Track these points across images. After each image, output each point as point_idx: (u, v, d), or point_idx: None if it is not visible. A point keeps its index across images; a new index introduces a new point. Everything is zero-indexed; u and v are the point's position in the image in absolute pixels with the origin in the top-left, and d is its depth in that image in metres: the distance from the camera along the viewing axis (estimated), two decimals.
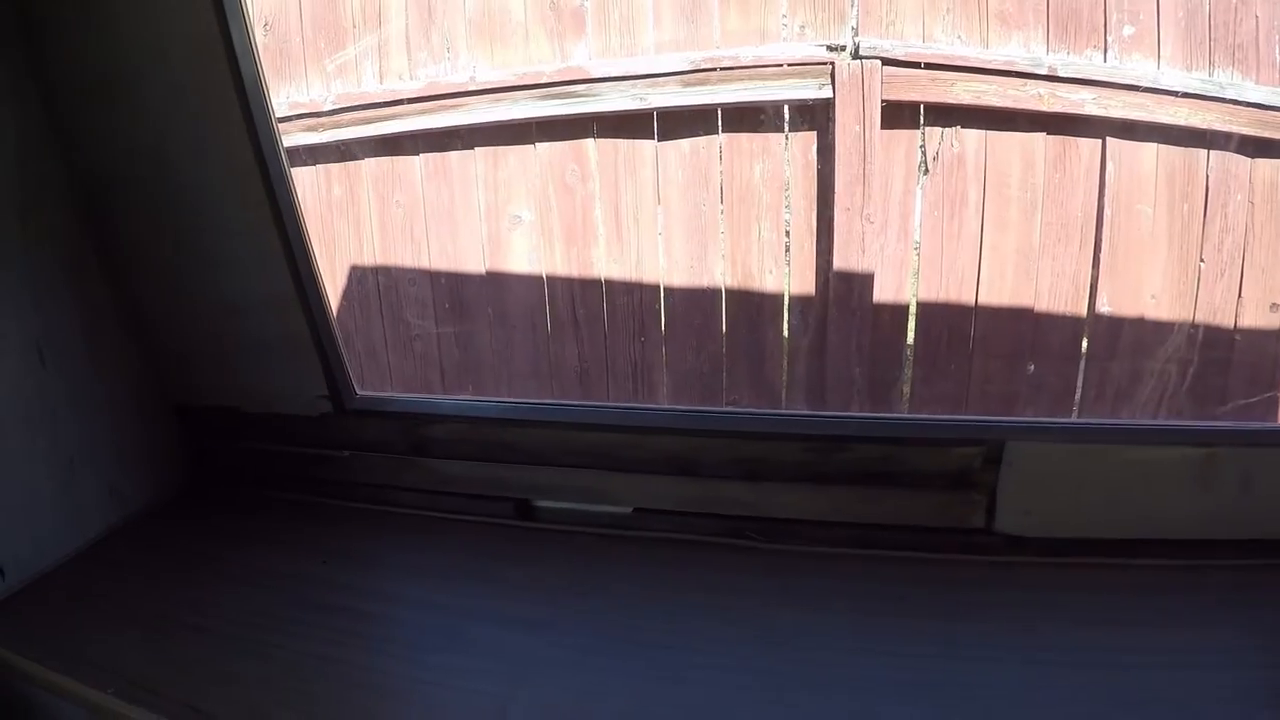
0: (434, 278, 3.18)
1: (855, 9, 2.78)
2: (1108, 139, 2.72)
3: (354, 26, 3.12)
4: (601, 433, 1.27)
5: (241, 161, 1.23)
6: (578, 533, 1.26)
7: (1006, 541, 1.14)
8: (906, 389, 2.98)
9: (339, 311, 3.29)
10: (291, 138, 3.16)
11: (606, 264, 3.05)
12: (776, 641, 1.02)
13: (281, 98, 3.19)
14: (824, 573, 1.14)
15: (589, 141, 2.98)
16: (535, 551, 1.24)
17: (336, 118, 3.15)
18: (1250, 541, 1.11)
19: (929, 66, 2.74)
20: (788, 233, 2.93)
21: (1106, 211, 2.75)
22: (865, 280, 2.87)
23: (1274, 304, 2.73)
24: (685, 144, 2.92)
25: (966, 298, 2.84)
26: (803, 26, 2.80)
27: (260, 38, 3.11)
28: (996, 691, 0.93)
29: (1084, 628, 1.01)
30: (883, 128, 2.78)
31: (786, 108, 2.85)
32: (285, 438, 1.42)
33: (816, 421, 1.26)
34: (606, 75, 2.89)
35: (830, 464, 1.17)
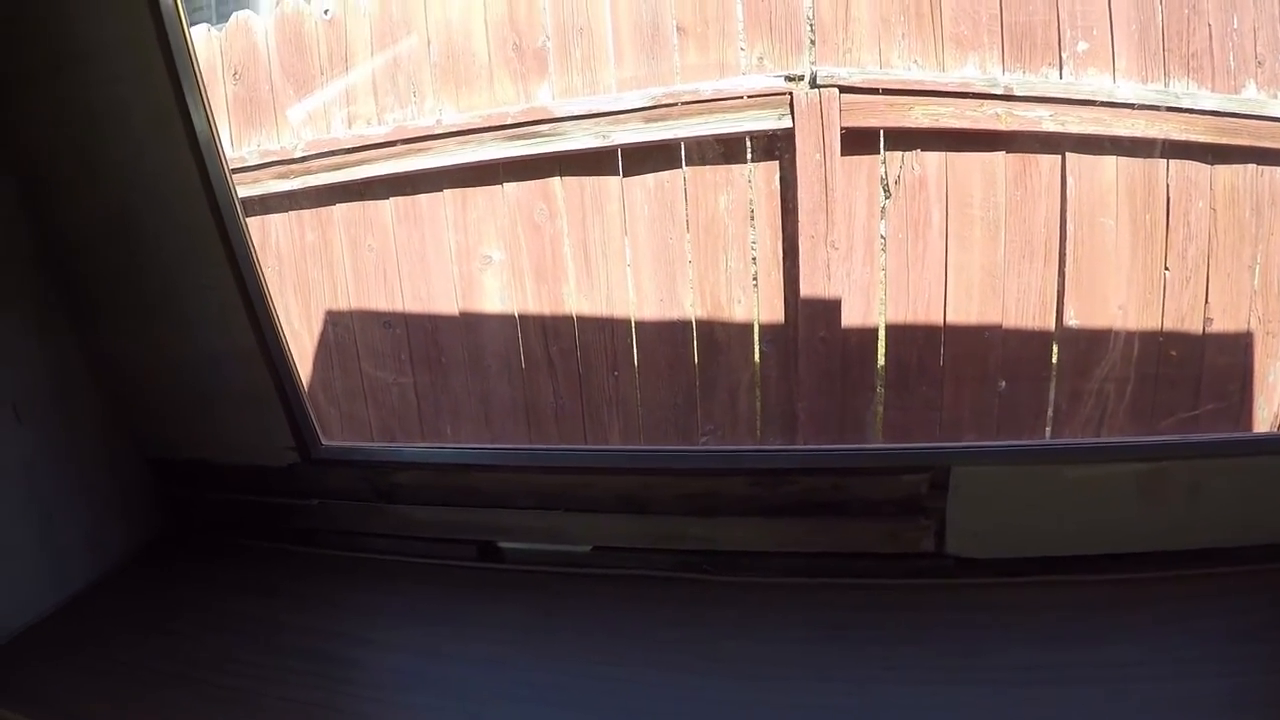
0: (408, 320, 3.20)
1: (812, 38, 2.81)
2: (1067, 154, 2.75)
3: (321, 74, 3.14)
4: (559, 475, 1.30)
5: (200, 222, 1.26)
6: (540, 572, 1.28)
7: (958, 564, 1.16)
8: (879, 411, 3.00)
9: (315, 356, 3.30)
10: (263, 185, 3.18)
11: (577, 300, 3.06)
12: (732, 672, 1.04)
13: (252, 145, 3.21)
14: (777, 602, 1.16)
15: (555, 180, 3.00)
16: (500, 592, 1.26)
17: (307, 164, 3.17)
18: (1199, 551, 1.13)
19: (886, 92, 2.77)
20: (754, 260, 2.96)
21: (1069, 226, 2.78)
22: (833, 306, 2.89)
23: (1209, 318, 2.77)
24: (650, 179, 2.95)
25: (935, 318, 2.86)
26: (761, 58, 2.83)
27: (230, 87, 3.15)
28: (943, 712, 0.96)
29: (1033, 645, 1.04)
30: (843, 154, 2.80)
31: (748, 139, 2.89)
32: (255, 488, 1.43)
33: (762, 456, 1.29)
34: (570, 114, 2.91)
35: (779, 496, 1.19)
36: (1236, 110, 2.66)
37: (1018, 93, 2.72)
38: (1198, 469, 1.13)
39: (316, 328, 3.28)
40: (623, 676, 1.06)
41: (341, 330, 3.28)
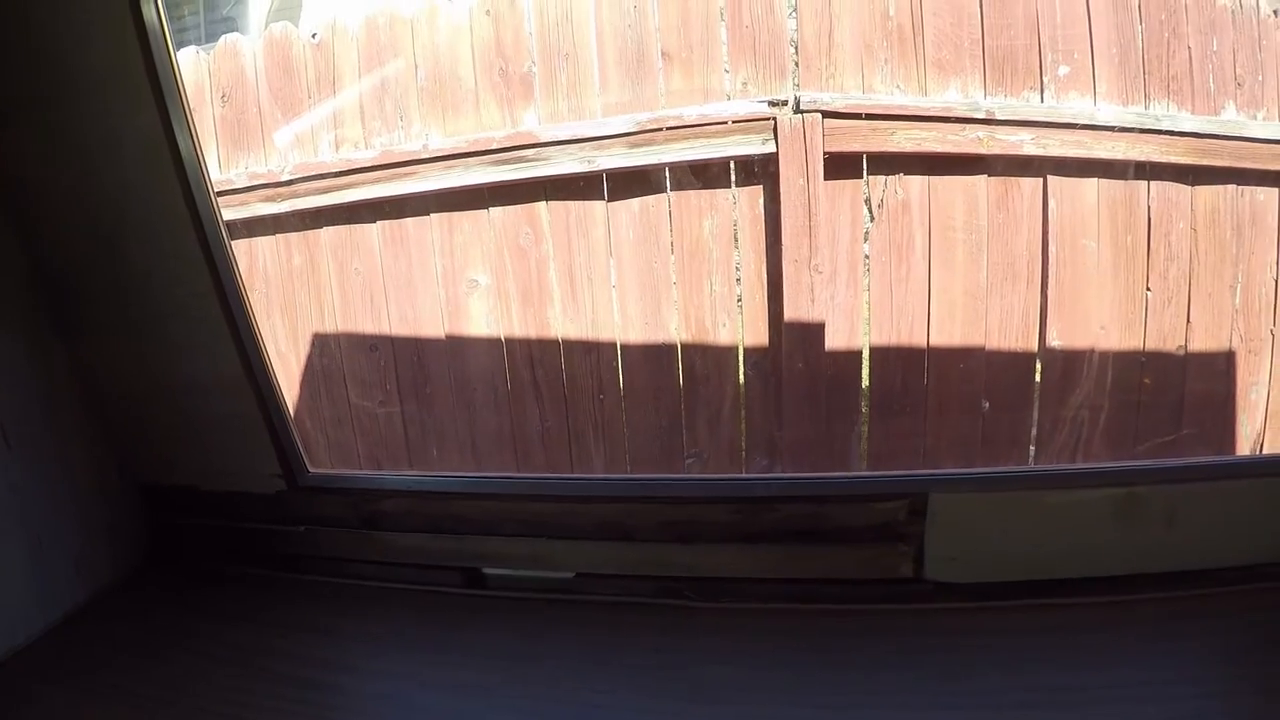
0: (395, 343, 3.20)
1: (796, 63, 2.83)
2: (1049, 177, 2.77)
3: (309, 97, 3.15)
4: (543, 502, 1.31)
5: (188, 251, 1.27)
6: (524, 599, 1.29)
7: (936, 589, 1.18)
8: (863, 434, 3.01)
9: (302, 381, 3.29)
10: (250, 208, 3.18)
11: (563, 325, 3.06)
12: (713, 697, 1.04)
13: (240, 168, 3.21)
14: (759, 629, 1.17)
15: (541, 204, 3.01)
16: (485, 618, 1.27)
17: (294, 187, 3.16)
18: (1175, 574, 1.14)
19: (869, 117, 2.78)
20: (739, 283, 2.97)
21: (1051, 248, 2.79)
22: (817, 330, 2.90)
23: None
24: (635, 203, 2.95)
25: (918, 341, 2.87)
26: (745, 83, 2.85)
27: (218, 109, 3.15)
28: None
29: (1012, 668, 1.05)
30: (827, 179, 2.81)
31: (733, 164, 2.90)
32: (242, 514, 1.44)
33: (743, 484, 1.30)
34: (555, 139, 2.92)
35: (759, 524, 1.21)
36: (1216, 132, 2.69)
37: (999, 117, 2.74)
38: (1174, 493, 1.14)
39: (303, 351, 3.28)
40: (605, 702, 1.07)
41: (328, 356, 3.28)
